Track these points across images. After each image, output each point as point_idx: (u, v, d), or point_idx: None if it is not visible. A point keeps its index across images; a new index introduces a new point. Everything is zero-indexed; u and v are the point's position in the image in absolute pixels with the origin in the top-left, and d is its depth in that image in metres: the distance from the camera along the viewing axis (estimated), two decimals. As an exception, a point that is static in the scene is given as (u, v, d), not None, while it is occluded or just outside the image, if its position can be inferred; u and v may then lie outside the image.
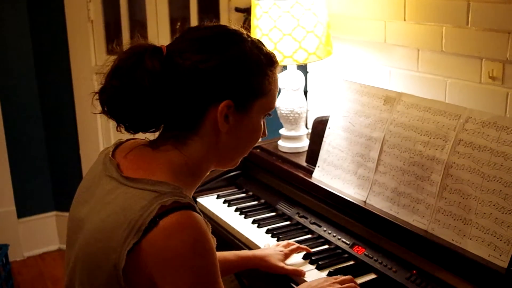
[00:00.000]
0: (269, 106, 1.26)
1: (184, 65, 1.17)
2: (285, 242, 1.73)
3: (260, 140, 1.32)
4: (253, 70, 1.21)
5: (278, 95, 1.33)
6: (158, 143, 1.22)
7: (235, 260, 1.62)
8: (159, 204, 1.09)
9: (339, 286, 1.45)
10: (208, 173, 1.29)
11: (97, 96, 1.20)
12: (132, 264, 1.09)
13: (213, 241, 1.17)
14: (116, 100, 1.17)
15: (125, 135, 1.27)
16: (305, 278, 1.59)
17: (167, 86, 1.16)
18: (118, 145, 1.27)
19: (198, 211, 1.14)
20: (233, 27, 1.25)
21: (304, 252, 1.69)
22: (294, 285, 1.59)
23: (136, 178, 1.15)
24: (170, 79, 1.16)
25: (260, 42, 1.26)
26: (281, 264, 1.63)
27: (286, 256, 1.67)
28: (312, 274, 1.60)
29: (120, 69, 1.17)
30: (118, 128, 1.23)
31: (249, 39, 1.23)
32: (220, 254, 1.55)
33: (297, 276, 1.61)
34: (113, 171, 1.19)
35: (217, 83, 1.17)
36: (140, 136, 1.28)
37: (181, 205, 1.10)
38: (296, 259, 1.67)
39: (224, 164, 1.30)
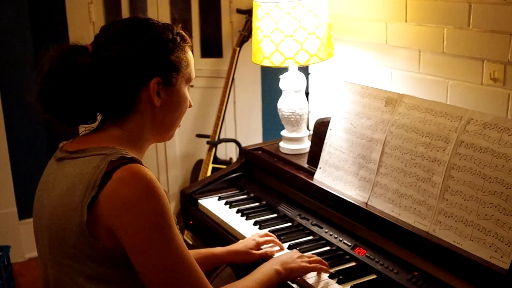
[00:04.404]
0: (190, 77, 1.41)
1: (111, 56, 1.30)
2: (263, 231, 1.78)
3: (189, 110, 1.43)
4: (171, 47, 1.35)
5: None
6: (98, 127, 1.36)
7: (209, 257, 1.68)
8: (108, 161, 1.23)
9: (308, 259, 1.56)
10: (147, 147, 1.41)
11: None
12: (93, 220, 1.21)
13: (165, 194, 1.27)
14: (56, 98, 1.29)
15: None
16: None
17: (100, 77, 1.29)
18: (65, 143, 1.39)
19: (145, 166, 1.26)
20: (142, 16, 1.40)
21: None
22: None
23: (83, 149, 1.29)
24: (102, 70, 1.29)
25: (170, 24, 1.39)
26: (251, 252, 1.69)
27: (258, 244, 1.71)
28: (312, 275, 1.59)
29: (54, 70, 1.29)
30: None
31: (159, 23, 1.37)
32: (194, 252, 1.59)
33: (268, 257, 1.67)
34: (61, 153, 1.33)
35: (143, 65, 1.31)
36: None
37: (127, 159, 1.24)
38: (297, 260, 1.67)
39: (161, 137, 1.42)
